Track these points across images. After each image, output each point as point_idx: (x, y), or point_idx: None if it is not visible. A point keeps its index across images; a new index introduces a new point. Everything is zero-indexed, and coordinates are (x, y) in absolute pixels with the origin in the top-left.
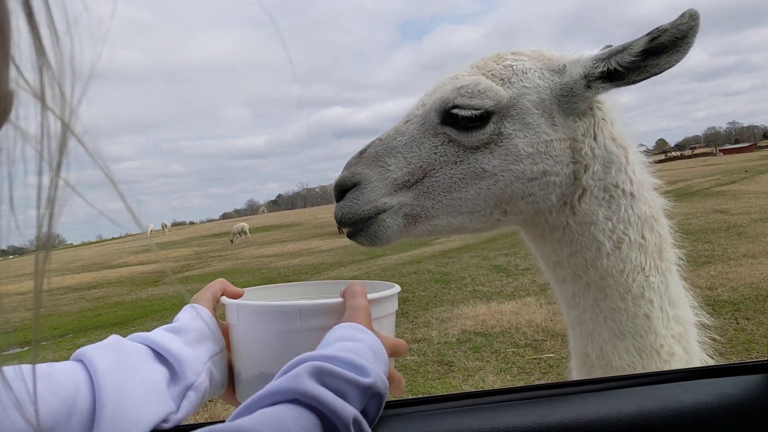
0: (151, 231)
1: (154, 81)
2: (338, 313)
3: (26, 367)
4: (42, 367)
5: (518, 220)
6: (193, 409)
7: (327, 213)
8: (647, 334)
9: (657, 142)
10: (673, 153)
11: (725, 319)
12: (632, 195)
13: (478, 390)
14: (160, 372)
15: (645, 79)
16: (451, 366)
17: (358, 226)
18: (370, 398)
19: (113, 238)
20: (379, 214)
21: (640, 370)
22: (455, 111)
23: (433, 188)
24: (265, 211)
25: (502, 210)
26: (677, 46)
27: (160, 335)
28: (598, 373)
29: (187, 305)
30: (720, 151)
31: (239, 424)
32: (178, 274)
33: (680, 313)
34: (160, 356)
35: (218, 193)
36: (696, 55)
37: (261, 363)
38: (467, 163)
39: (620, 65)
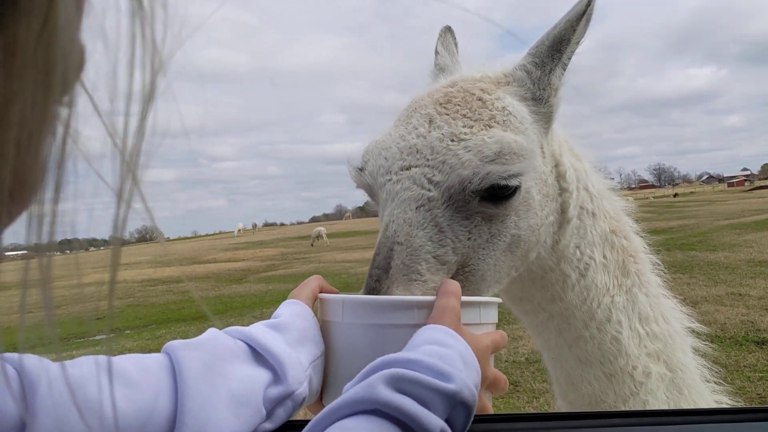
0: (240, 230)
1: (256, 84)
2: None
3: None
4: (123, 367)
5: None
6: (286, 418)
7: None
8: (617, 359)
9: (762, 167)
10: None
11: None
12: (593, 214)
13: (597, 411)
14: (257, 376)
15: None
16: (516, 386)
17: None
18: (455, 407)
19: (206, 235)
20: None
21: (611, 395)
22: (503, 182)
23: (470, 279)
24: (350, 216)
25: (516, 268)
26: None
27: (261, 332)
28: (571, 398)
29: (288, 300)
30: None
31: None
32: (262, 273)
33: (656, 328)
34: (260, 356)
35: (309, 196)
36: None
37: (360, 361)
38: (499, 236)
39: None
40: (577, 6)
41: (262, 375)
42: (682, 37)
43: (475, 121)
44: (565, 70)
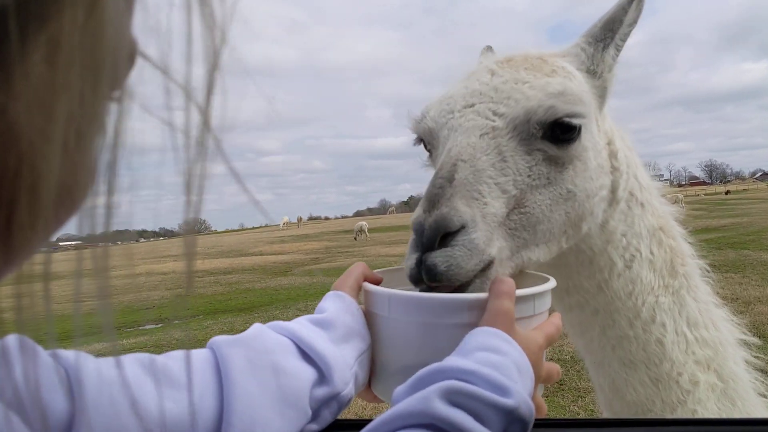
0: (285, 223)
1: (302, 79)
2: None
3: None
4: (167, 367)
5: (570, 246)
6: (331, 419)
7: None
8: (662, 362)
9: None
10: None
11: None
12: (642, 204)
13: (651, 418)
14: (303, 375)
15: None
16: (561, 384)
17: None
18: (511, 422)
19: (253, 228)
20: (485, 270)
21: (659, 403)
22: (567, 120)
23: (523, 223)
24: (394, 211)
25: (567, 236)
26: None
27: (306, 330)
28: (617, 408)
29: (331, 293)
30: None
31: None
32: (306, 267)
33: (706, 334)
34: (306, 355)
35: (354, 190)
36: None
37: (406, 355)
38: (555, 185)
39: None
40: None
41: (309, 374)
42: (737, 30)
43: (537, 71)
44: (618, 51)
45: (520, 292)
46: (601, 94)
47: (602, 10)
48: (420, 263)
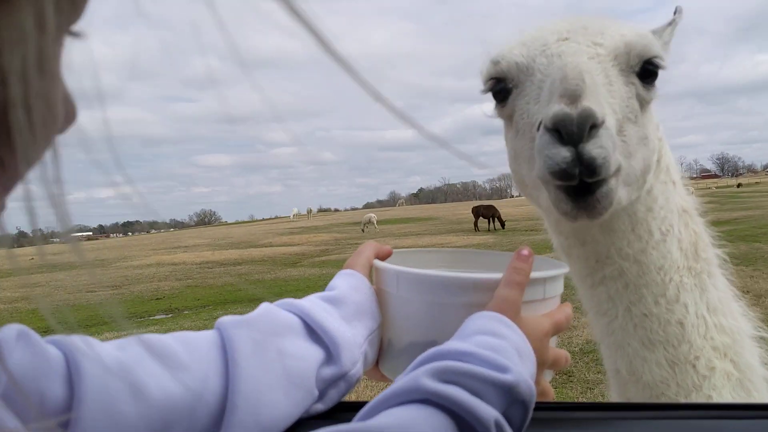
0: (295, 215)
1: (313, 70)
2: None
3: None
4: (171, 348)
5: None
6: (338, 399)
7: (465, 209)
8: (680, 344)
9: None
10: None
11: None
12: (674, 182)
13: (656, 402)
14: (310, 354)
15: None
16: (570, 376)
17: (591, 188)
18: (511, 403)
19: (263, 219)
20: (615, 173)
21: (673, 387)
22: (656, 61)
23: (623, 144)
24: (404, 203)
25: (638, 185)
26: None
27: (316, 308)
28: (631, 393)
29: (343, 271)
30: None
31: (367, 425)
32: (316, 258)
33: (725, 322)
34: (314, 333)
35: (364, 182)
36: None
37: (412, 333)
38: (639, 125)
39: None
40: None
41: (316, 353)
42: (751, 21)
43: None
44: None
45: (531, 274)
46: None
47: (612, 4)
48: (576, 158)
